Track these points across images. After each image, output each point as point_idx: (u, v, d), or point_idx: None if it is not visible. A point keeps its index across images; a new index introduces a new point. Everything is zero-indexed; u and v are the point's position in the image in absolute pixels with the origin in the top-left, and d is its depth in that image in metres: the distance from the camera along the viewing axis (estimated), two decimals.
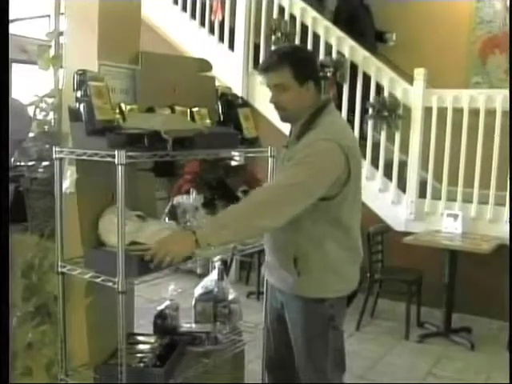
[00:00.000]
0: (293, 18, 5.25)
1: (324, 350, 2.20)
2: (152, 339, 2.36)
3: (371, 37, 5.67)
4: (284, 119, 2.20)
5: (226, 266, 4.50)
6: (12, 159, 2.52)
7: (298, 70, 2.07)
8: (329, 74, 4.94)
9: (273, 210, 1.95)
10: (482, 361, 3.86)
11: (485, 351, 4.01)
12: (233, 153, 2.59)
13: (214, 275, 2.68)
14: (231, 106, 2.48)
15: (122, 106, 2.13)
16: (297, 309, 2.19)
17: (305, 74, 2.10)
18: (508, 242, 4.18)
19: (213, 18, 5.62)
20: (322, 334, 2.19)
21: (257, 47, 5.45)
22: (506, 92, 4.31)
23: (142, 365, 2.15)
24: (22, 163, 2.50)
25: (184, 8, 5.85)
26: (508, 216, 4.29)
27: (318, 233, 2.11)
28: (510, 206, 4.18)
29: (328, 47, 5.09)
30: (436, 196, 4.58)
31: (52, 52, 2.50)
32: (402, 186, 4.78)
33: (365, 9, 5.72)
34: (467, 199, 4.47)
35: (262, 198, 1.99)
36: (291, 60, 2.08)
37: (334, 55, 5.03)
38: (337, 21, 5.49)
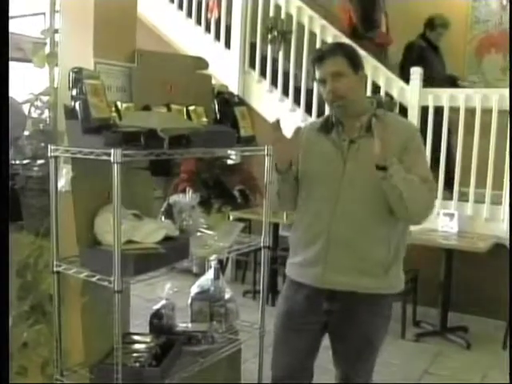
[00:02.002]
0: (289, 16, 5.24)
1: (380, 345, 2.28)
2: (148, 339, 2.35)
3: (442, 83, 4.95)
4: (341, 109, 2.13)
5: (221, 265, 4.49)
6: None
7: (351, 58, 2.10)
8: None
9: (431, 199, 2.16)
10: (478, 360, 3.86)
11: (481, 350, 4.02)
12: (229, 151, 2.58)
13: (210, 274, 2.67)
14: (228, 104, 2.47)
15: (118, 104, 2.12)
16: (376, 307, 2.18)
17: (357, 63, 2.12)
18: (504, 241, 4.19)
19: (209, 16, 5.61)
20: (386, 330, 2.26)
21: (253, 46, 5.45)
22: (502, 91, 4.32)
23: (137, 364, 2.14)
24: (17, 161, 2.49)
25: (180, 6, 5.84)
26: (503, 215, 4.29)
27: (401, 224, 2.17)
28: (510, 205, 4.17)
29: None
30: None
31: (47, 50, 2.49)
32: None
33: (434, 50, 5.26)
34: (463, 198, 4.48)
35: (427, 186, 2.10)
36: (343, 49, 2.14)
37: None
38: (403, 65, 5.15)
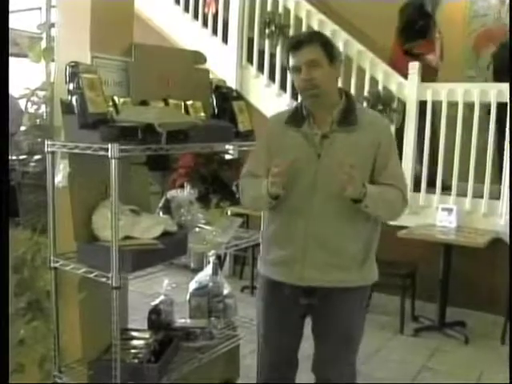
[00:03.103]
0: (287, 10, 5.22)
1: (360, 338, 2.26)
2: (146, 335, 2.34)
3: None
4: (314, 99, 2.08)
5: (220, 261, 4.48)
6: None
7: (327, 48, 2.06)
8: None
9: (404, 200, 2.14)
10: (476, 354, 3.86)
11: (479, 345, 4.01)
12: (227, 146, 2.57)
13: (208, 270, 2.67)
14: (226, 98, 2.46)
15: (115, 98, 2.10)
16: (353, 299, 2.17)
17: (333, 53, 2.08)
18: (502, 236, 4.18)
19: (206, 10, 5.58)
20: (363, 321, 2.25)
21: (250, 40, 5.43)
22: (501, 85, 4.30)
23: (136, 361, 2.13)
24: (14, 157, 2.47)
25: (177, 1, 5.81)
26: (501, 210, 4.29)
27: (373, 218, 2.16)
28: (510, 201, 4.16)
29: None
30: (430, 190, 4.57)
31: (43, 44, 2.47)
32: None
33: None
34: (462, 193, 4.47)
35: (400, 189, 2.12)
36: (320, 38, 2.10)
37: None
38: (498, 67, 4.94)
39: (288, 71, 2.15)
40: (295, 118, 2.16)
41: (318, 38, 2.08)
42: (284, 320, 2.23)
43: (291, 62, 2.08)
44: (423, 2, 5.05)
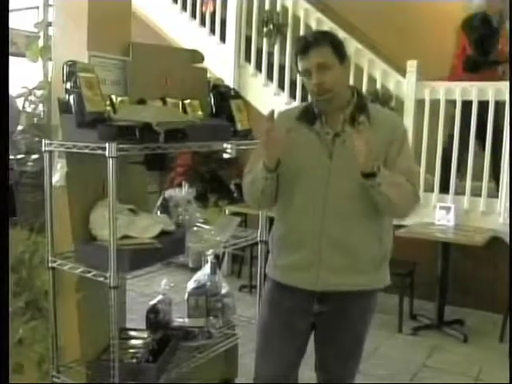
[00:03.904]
0: (285, 9, 5.22)
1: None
2: (144, 334, 2.34)
3: None
4: (327, 102, 2.01)
5: (218, 260, 4.48)
6: None
7: (336, 48, 1.99)
8: None
9: (416, 196, 2.06)
10: (475, 353, 3.86)
11: (477, 343, 4.02)
12: (225, 145, 2.56)
13: (206, 269, 2.66)
14: (224, 97, 2.45)
15: (113, 97, 2.10)
16: (366, 303, 2.15)
17: (342, 53, 2.01)
18: (501, 235, 4.19)
19: (204, 9, 5.58)
20: (370, 323, 2.22)
21: (248, 39, 5.42)
22: (498, 84, 4.30)
23: (134, 360, 2.13)
24: (11, 156, 2.47)
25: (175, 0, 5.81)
26: (500, 208, 4.29)
27: (387, 218, 2.12)
28: (510, 200, 4.16)
29: None
30: (428, 188, 4.58)
31: (41, 43, 2.46)
32: None
33: None
34: (460, 191, 4.47)
35: (411, 183, 2.03)
36: (329, 38, 2.01)
37: None
38: None
39: (299, 74, 2.08)
40: (306, 115, 2.09)
41: (326, 39, 1.99)
42: (293, 326, 2.13)
43: (300, 65, 2.01)
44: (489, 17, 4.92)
